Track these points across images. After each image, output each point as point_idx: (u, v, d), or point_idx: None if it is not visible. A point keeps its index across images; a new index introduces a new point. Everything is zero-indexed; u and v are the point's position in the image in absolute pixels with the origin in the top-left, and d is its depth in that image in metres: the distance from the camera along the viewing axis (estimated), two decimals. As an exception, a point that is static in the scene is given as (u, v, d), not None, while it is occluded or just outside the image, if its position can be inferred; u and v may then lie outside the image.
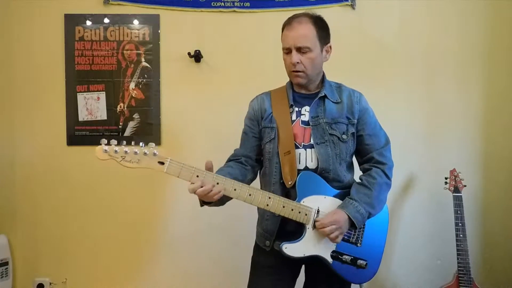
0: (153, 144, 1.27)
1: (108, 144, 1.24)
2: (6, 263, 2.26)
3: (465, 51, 2.32)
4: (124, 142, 1.26)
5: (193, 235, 2.34)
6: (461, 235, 2.03)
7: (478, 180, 2.32)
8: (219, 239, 2.34)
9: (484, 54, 2.32)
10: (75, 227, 2.34)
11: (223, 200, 1.39)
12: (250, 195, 1.35)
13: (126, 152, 1.24)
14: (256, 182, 1.58)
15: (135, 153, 1.25)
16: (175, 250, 2.35)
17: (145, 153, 1.25)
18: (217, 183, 1.32)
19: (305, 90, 1.54)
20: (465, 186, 2.10)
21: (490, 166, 2.33)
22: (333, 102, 1.51)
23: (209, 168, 1.32)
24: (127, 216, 2.34)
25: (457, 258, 2.04)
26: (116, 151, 1.24)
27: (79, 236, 2.34)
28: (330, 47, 1.52)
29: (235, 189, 1.34)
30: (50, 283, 2.34)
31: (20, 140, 2.31)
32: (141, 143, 1.26)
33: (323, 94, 1.50)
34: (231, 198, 1.40)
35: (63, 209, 2.33)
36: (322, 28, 1.47)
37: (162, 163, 1.27)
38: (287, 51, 1.46)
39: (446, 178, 2.13)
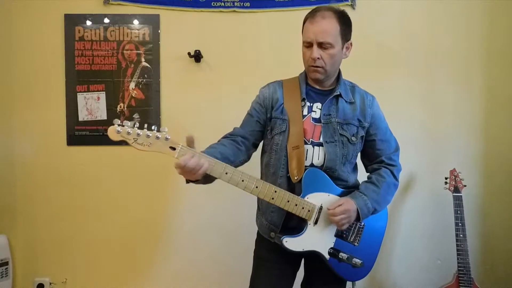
0: (166, 128, 1.27)
1: (121, 125, 1.23)
2: (6, 263, 2.26)
3: (465, 51, 2.32)
4: (137, 124, 1.24)
5: (193, 235, 2.34)
6: (461, 235, 2.03)
7: (478, 180, 2.32)
8: (220, 239, 2.34)
9: (484, 54, 2.32)
10: (75, 227, 2.33)
11: (210, 178, 1.35)
12: (257, 187, 1.36)
13: (138, 134, 1.23)
14: (253, 170, 1.53)
15: (148, 136, 1.24)
16: (175, 249, 2.35)
17: (157, 137, 1.25)
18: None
19: (319, 86, 1.53)
20: (465, 186, 2.10)
21: (490, 166, 2.33)
22: (346, 101, 1.51)
23: (190, 141, 1.28)
24: (127, 216, 2.34)
25: (457, 258, 2.04)
26: (129, 132, 1.22)
27: (79, 236, 2.34)
28: (351, 44, 1.50)
29: (243, 180, 1.34)
30: (50, 283, 2.34)
31: (20, 140, 2.31)
32: (153, 127, 1.26)
33: (338, 93, 1.49)
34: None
35: (63, 209, 2.33)
36: (345, 24, 1.45)
37: (174, 149, 1.27)
38: (308, 45, 1.43)
39: (446, 178, 2.13)
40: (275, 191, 1.38)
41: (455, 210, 2.06)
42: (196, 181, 1.33)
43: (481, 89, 2.33)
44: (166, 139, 1.26)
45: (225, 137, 1.53)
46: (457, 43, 2.32)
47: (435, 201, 2.30)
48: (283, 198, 1.39)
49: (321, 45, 1.40)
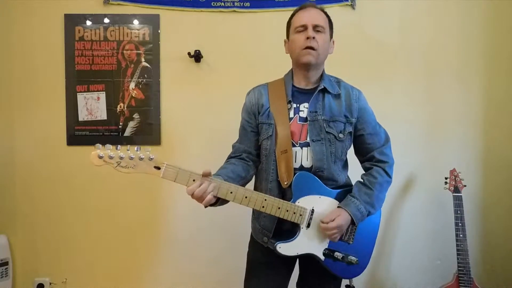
0: (149, 148, 1.26)
1: (103, 148, 1.22)
2: (6, 263, 2.26)
3: (466, 51, 2.32)
4: (119, 147, 1.23)
5: (193, 235, 2.34)
6: (461, 235, 2.03)
7: (478, 180, 2.33)
8: (219, 239, 2.34)
9: (484, 54, 2.32)
10: (75, 227, 2.34)
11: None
12: (246, 197, 1.35)
13: (121, 157, 1.22)
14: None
15: (131, 158, 1.23)
16: (174, 250, 2.35)
17: (140, 158, 1.23)
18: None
19: (305, 84, 1.52)
20: (465, 186, 2.10)
21: (490, 166, 2.33)
22: (333, 94, 1.49)
23: (206, 174, 1.30)
24: (127, 216, 2.34)
25: (457, 258, 2.04)
26: (111, 156, 1.21)
27: (79, 236, 2.34)
28: (333, 42, 1.54)
29: (231, 192, 1.33)
30: (50, 283, 2.34)
31: (20, 140, 2.31)
32: (136, 148, 1.24)
33: (322, 87, 1.48)
34: None
35: (63, 209, 2.33)
36: (330, 21, 1.52)
37: (158, 168, 1.26)
38: (302, 28, 1.44)
39: (446, 178, 2.13)
40: (265, 199, 1.38)
41: (455, 210, 2.06)
42: (215, 205, 1.37)
43: (481, 89, 2.33)
44: (150, 159, 1.24)
45: (230, 157, 1.56)
46: (457, 43, 2.32)
47: (435, 201, 2.30)
48: (273, 206, 1.38)
49: (315, 28, 1.44)
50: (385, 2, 2.31)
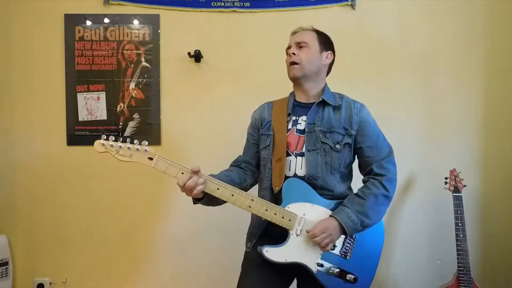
0: (146, 142, 1.40)
1: (106, 139, 1.40)
2: (6, 263, 2.25)
3: (465, 51, 2.32)
4: (121, 139, 1.40)
5: (193, 235, 2.34)
6: (461, 235, 2.03)
7: (478, 180, 2.32)
8: (219, 239, 2.33)
9: (483, 54, 2.32)
10: (75, 227, 2.33)
11: (218, 200, 1.42)
12: (232, 195, 1.39)
13: (120, 147, 1.38)
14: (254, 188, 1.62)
15: (128, 148, 1.39)
16: (174, 250, 2.35)
17: (137, 149, 1.39)
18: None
19: (305, 98, 1.56)
20: (465, 186, 2.10)
21: (490, 166, 2.33)
22: (333, 106, 1.52)
23: (195, 171, 1.36)
24: (127, 216, 2.34)
25: (457, 258, 2.04)
26: (112, 145, 1.39)
27: (79, 236, 2.34)
28: (331, 54, 1.59)
29: (218, 189, 1.38)
30: (50, 283, 2.34)
31: (20, 140, 2.31)
32: (135, 141, 1.40)
33: (321, 100, 1.52)
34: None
35: (63, 209, 2.33)
36: (323, 36, 1.59)
37: (151, 159, 1.39)
38: (289, 50, 1.55)
39: (446, 178, 2.13)
40: (252, 200, 1.39)
41: (455, 210, 2.06)
42: (201, 201, 1.42)
43: (481, 89, 2.33)
44: (145, 151, 1.39)
45: (230, 165, 1.63)
46: (457, 43, 2.32)
47: (435, 201, 2.30)
48: (261, 207, 1.39)
49: (298, 44, 1.54)
50: (385, 2, 2.31)
